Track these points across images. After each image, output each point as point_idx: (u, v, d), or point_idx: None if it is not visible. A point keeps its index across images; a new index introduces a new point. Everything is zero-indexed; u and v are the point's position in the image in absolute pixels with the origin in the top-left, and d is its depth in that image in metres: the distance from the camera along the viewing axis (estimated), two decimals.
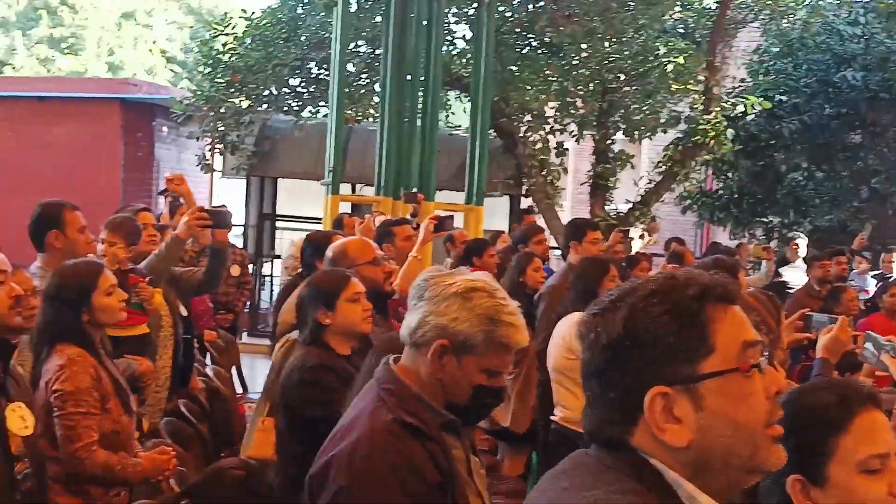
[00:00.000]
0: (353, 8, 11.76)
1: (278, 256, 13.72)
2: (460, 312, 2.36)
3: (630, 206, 13.18)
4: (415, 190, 9.21)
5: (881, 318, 7.18)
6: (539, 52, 13.17)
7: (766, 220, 14.61)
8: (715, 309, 1.50)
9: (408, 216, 7.98)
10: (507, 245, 8.43)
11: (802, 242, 10.37)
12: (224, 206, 10.71)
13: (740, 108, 13.27)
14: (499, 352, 2.40)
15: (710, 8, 13.93)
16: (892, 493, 1.96)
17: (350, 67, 12.28)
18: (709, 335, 1.48)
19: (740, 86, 14.27)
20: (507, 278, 6.61)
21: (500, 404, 2.54)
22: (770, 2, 13.70)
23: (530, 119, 13.02)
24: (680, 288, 1.51)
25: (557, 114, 13.01)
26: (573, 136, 13.33)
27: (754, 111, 13.31)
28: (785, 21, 14.25)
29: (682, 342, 1.47)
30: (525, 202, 13.76)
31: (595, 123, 13.01)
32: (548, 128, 13.06)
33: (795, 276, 9.64)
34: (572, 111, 12.86)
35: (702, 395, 1.46)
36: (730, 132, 12.80)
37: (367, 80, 13.07)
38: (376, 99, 12.03)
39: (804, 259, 9.73)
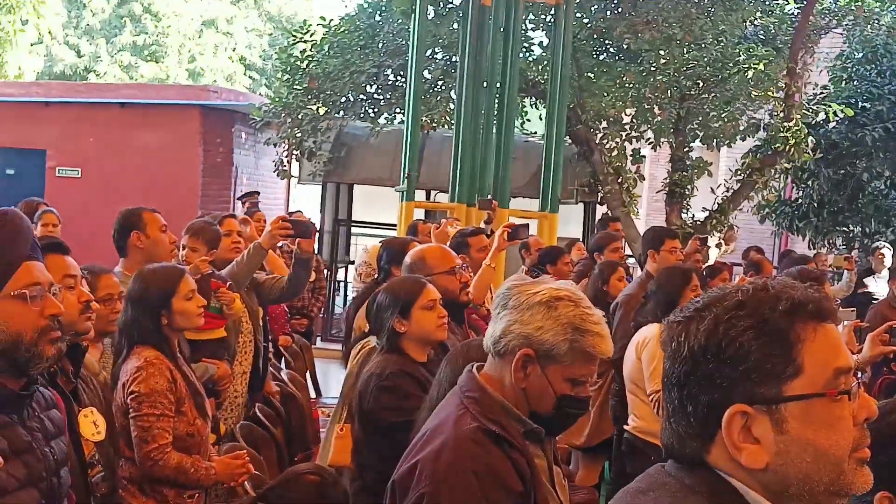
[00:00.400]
0: (431, 15, 11.78)
1: (353, 262, 13.81)
2: (545, 322, 2.33)
3: (707, 214, 12.99)
4: (489, 197, 9.19)
5: None
6: (616, 58, 13.04)
7: (846, 229, 14.30)
8: (806, 327, 1.42)
9: (482, 223, 7.96)
10: (585, 256, 8.33)
11: (888, 252, 10.11)
12: (300, 211, 10.85)
13: (822, 116, 13.00)
14: (584, 361, 2.36)
15: (791, 14, 13.67)
16: None
17: (426, 74, 12.30)
18: (797, 355, 1.40)
19: (822, 92, 13.98)
20: (589, 287, 6.55)
21: (584, 414, 2.50)
22: (853, 7, 13.43)
23: (606, 126, 12.88)
24: (770, 301, 1.43)
25: (634, 121, 12.84)
26: (650, 144, 13.18)
27: (836, 118, 13.04)
28: (869, 27, 13.95)
29: (767, 360, 1.39)
30: (600, 210, 13.64)
31: (672, 130, 12.84)
32: (624, 135, 12.91)
33: (881, 287, 9.40)
34: (649, 118, 12.70)
35: (784, 418, 1.39)
36: (810, 140, 12.54)
37: (444, 87, 13.07)
38: (452, 106, 12.01)
39: (889, 269, 9.49)
